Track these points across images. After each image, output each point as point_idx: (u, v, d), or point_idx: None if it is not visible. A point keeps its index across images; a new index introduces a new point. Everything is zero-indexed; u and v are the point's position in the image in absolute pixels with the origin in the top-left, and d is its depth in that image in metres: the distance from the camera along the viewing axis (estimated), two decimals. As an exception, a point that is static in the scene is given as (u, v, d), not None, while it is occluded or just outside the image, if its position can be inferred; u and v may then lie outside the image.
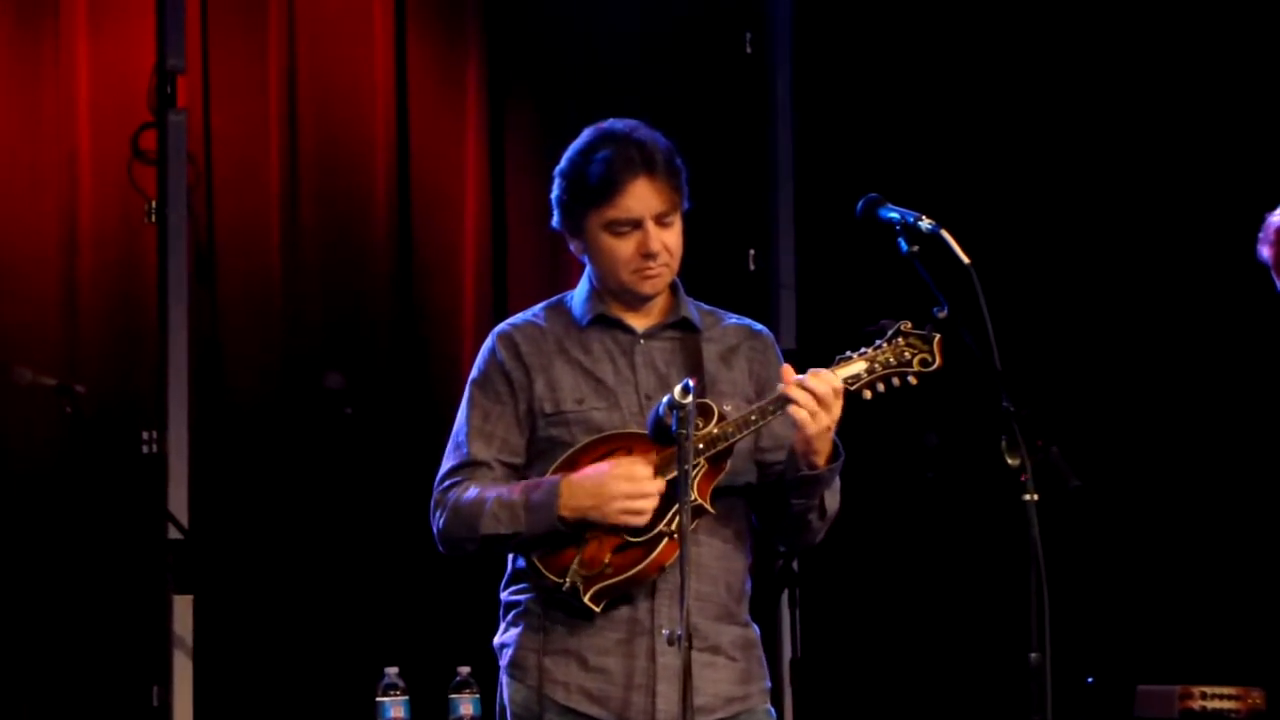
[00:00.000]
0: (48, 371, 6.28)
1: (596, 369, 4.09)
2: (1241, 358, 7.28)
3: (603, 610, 3.96)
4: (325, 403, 6.50)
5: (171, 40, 6.70)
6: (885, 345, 3.97)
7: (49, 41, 6.73)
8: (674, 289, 4.16)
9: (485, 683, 5.49)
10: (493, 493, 4.00)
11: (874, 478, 6.72)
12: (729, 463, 3.97)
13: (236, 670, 6.65)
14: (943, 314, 3.90)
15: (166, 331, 6.64)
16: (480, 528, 3.99)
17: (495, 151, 7.28)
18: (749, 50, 7.66)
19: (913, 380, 3.96)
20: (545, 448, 4.06)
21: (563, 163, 4.11)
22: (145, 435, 6.64)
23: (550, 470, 4.01)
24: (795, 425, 3.90)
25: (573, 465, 3.99)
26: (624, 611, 3.99)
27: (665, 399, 3.82)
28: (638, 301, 4.12)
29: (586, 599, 3.94)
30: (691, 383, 3.79)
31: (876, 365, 3.96)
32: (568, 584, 3.94)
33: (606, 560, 3.94)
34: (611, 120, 4.10)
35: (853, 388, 3.94)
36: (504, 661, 4.11)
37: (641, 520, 3.90)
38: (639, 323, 4.14)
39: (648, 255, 4.03)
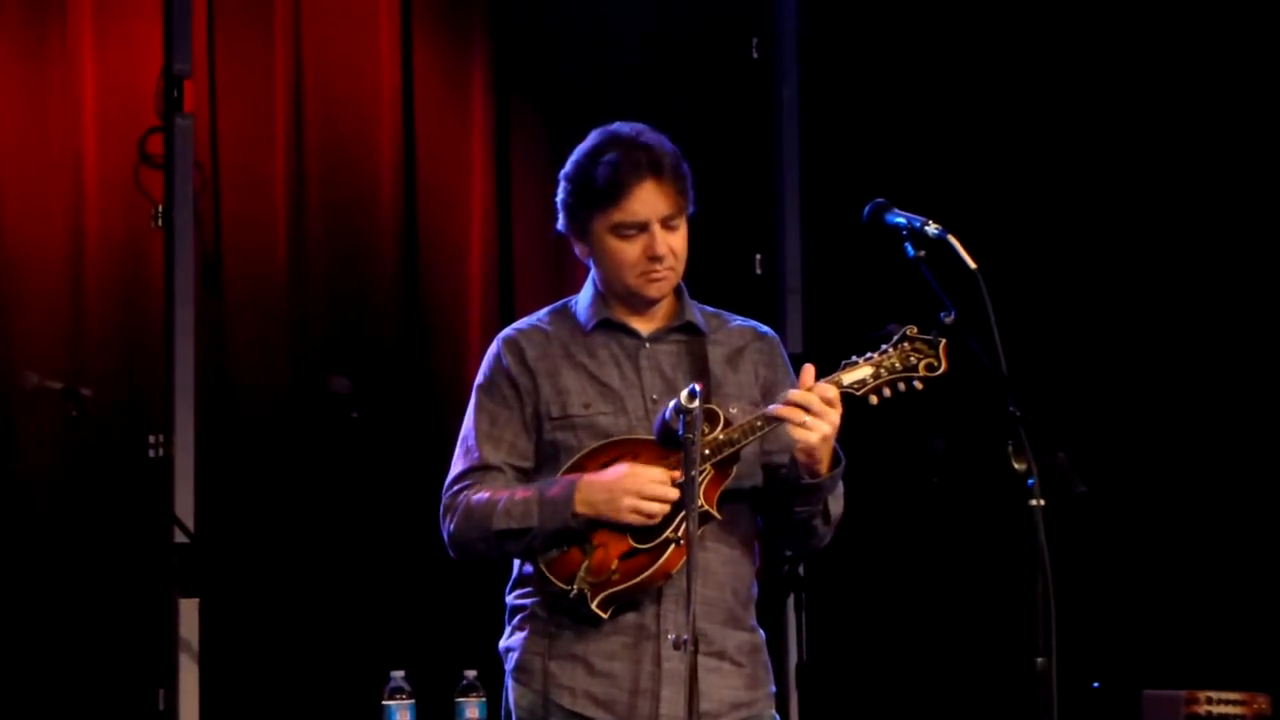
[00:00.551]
0: (54, 375, 6.28)
1: (602, 373, 4.09)
2: (1246, 363, 7.29)
3: (609, 617, 3.96)
4: (331, 407, 6.50)
5: (178, 45, 6.71)
6: (891, 350, 3.98)
7: (55, 46, 6.73)
8: (678, 293, 4.16)
9: (491, 686, 5.48)
10: (505, 493, 4.01)
11: (881, 483, 6.73)
12: (736, 468, 3.97)
13: (242, 674, 6.65)
14: (949, 319, 3.89)
15: (173, 335, 6.64)
16: (493, 524, 3.98)
17: (501, 156, 7.28)
18: (755, 55, 7.66)
19: (919, 385, 3.96)
20: (551, 452, 4.06)
21: (568, 166, 4.11)
22: (151, 439, 6.64)
23: (559, 474, 4.01)
24: (794, 438, 3.90)
25: (579, 470, 3.99)
26: (630, 616, 3.99)
27: (672, 404, 3.83)
28: (643, 305, 4.12)
29: (594, 606, 3.94)
30: (698, 387, 3.79)
31: (883, 370, 3.96)
32: (575, 591, 3.94)
33: (613, 567, 3.93)
34: (617, 123, 4.11)
35: (859, 393, 3.95)
36: (509, 665, 4.12)
37: (650, 523, 3.90)
38: (644, 327, 4.14)
39: (654, 258, 4.03)
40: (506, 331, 4.20)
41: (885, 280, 5.10)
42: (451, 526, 4.07)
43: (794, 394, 3.90)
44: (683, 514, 3.85)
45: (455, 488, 4.10)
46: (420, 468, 6.51)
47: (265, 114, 6.97)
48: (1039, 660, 3.77)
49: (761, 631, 4.16)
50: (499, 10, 7.32)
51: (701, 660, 3.82)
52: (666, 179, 4.03)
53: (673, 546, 3.92)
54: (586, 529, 3.93)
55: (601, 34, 7.45)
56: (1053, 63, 7.50)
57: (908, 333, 3.98)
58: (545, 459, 4.07)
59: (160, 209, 6.70)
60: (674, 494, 3.89)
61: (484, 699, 5.83)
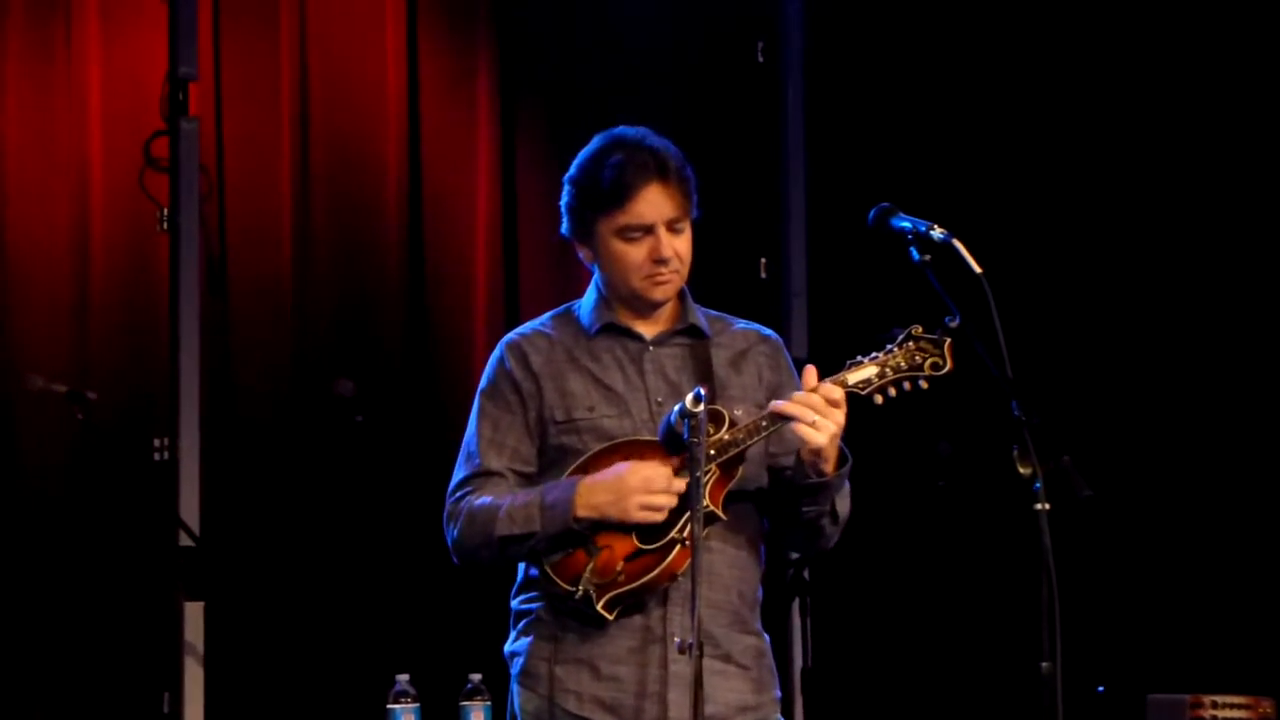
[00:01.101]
0: (59, 378, 6.29)
1: (606, 377, 4.09)
2: (1250, 368, 7.28)
3: (615, 618, 3.96)
4: (336, 410, 6.50)
5: (183, 48, 6.71)
6: (897, 349, 3.97)
7: (61, 49, 6.74)
8: (682, 296, 4.16)
9: (496, 690, 5.48)
10: (507, 498, 4.01)
11: (886, 486, 6.72)
12: (741, 469, 3.97)
13: (247, 677, 6.65)
14: (954, 323, 3.90)
15: (178, 339, 6.65)
16: (495, 530, 3.98)
17: (506, 161, 7.29)
18: (761, 59, 7.66)
19: (924, 384, 3.96)
20: (556, 456, 4.06)
21: (573, 169, 4.11)
22: (157, 442, 6.65)
23: (563, 477, 4.01)
24: (800, 438, 3.90)
25: (584, 473, 3.98)
26: (636, 619, 3.99)
27: (676, 407, 3.82)
28: (647, 309, 4.12)
29: (599, 607, 3.93)
30: (703, 391, 3.79)
31: (888, 369, 3.96)
32: (580, 592, 3.94)
33: (619, 568, 3.93)
34: (622, 127, 4.11)
35: (864, 392, 3.95)
36: (515, 670, 4.11)
37: (659, 517, 3.90)
38: (648, 330, 4.14)
39: (659, 261, 4.03)
40: (510, 336, 4.20)
41: (890, 284, 5.10)
42: (455, 533, 4.07)
43: (799, 394, 3.90)
44: (688, 515, 3.85)
45: (458, 494, 4.10)
46: (425, 470, 6.51)
47: (270, 118, 6.97)
48: (1044, 664, 3.77)
49: (766, 635, 4.16)
50: (504, 14, 7.32)
51: (707, 663, 3.82)
52: (672, 181, 4.03)
53: (679, 547, 3.91)
54: (590, 531, 3.93)
55: (606, 38, 7.45)
56: (1059, 66, 7.50)
57: (913, 332, 3.98)
58: (550, 463, 4.07)
59: (165, 212, 6.71)
60: (680, 485, 3.89)
61: (489, 703, 5.82)
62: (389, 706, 5.81)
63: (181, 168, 6.70)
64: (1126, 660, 7.01)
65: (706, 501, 3.88)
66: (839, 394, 3.91)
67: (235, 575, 6.63)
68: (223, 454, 6.73)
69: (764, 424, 3.93)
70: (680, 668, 3.93)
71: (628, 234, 4.04)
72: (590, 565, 3.94)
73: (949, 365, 3.96)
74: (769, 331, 4.25)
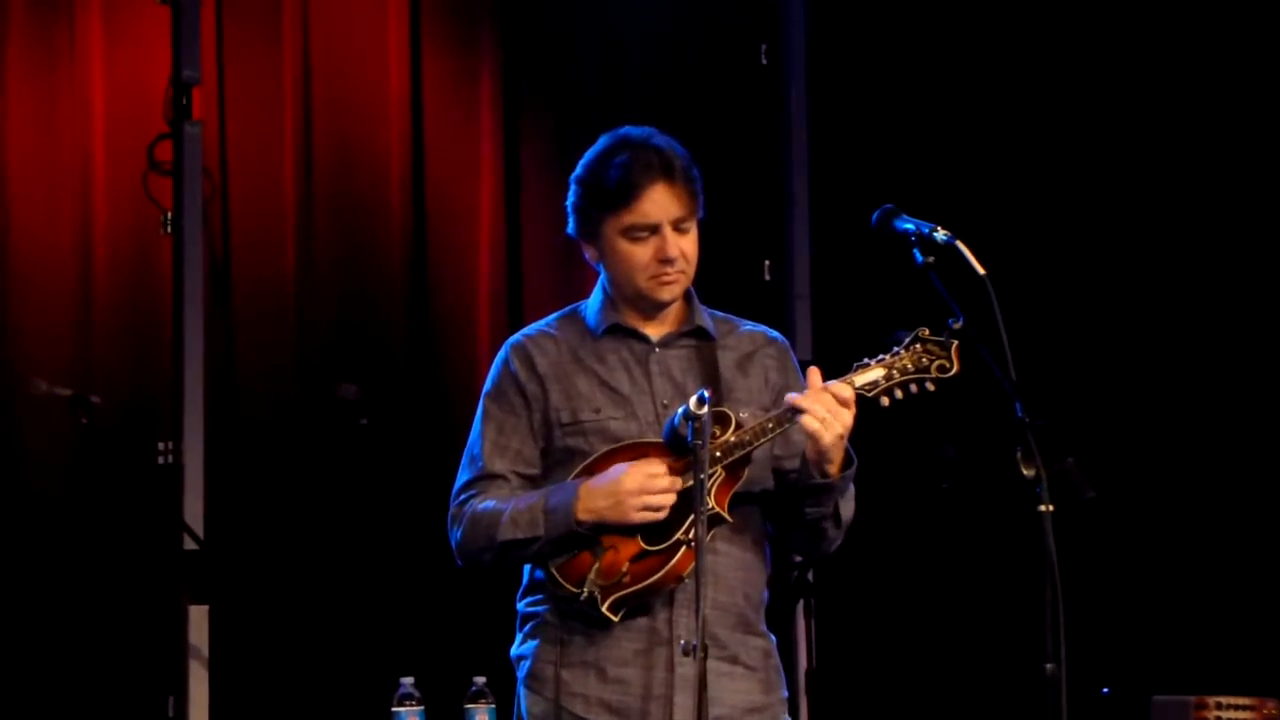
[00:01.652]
0: (63, 382, 6.29)
1: (612, 378, 4.09)
2: (1254, 370, 7.28)
3: (621, 620, 3.96)
4: (340, 413, 6.50)
5: (187, 52, 6.71)
6: (903, 352, 3.97)
7: (64, 53, 6.74)
8: (688, 297, 4.16)
9: (501, 693, 5.48)
10: (510, 502, 4.01)
11: (890, 488, 6.73)
12: (747, 470, 3.97)
13: (252, 680, 6.65)
14: (958, 325, 3.90)
15: (182, 342, 6.65)
16: (499, 535, 3.98)
17: (510, 162, 7.29)
18: (764, 61, 7.67)
19: (930, 386, 3.96)
20: (563, 458, 4.06)
21: (579, 169, 4.11)
22: (161, 446, 6.64)
23: (569, 479, 4.01)
24: (807, 435, 3.90)
25: (590, 474, 3.98)
26: (642, 621, 3.98)
27: (681, 409, 3.83)
28: (653, 309, 4.12)
29: (604, 608, 3.93)
30: (707, 393, 3.79)
31: (895, 371, 3.96)
32: (585, 593, 3.94)
33: (624, 569, 3.93)
34: (627, 127, 4.11)
35: (870, 394, 3.95)
36: (521, 673, 4.11)
37: (659, 516, 3.90)
38: (654, 331, 4.14)
39: (665, 261, 4.03)
40: (515, 338, 4.19)
41: (894, 286, 5.10)
42: (458, 536, 4.07)
43: (812, 390, 3.90)
44: (693, 517, 3.84)
45: (461, 497, 4.10)
46: (429, 473, 6.51)
47: (274, 121, 6.97)
48: (1048, 666, 3.77)
49: (773, 636, 4.16)
50: (508, 16, 7.32)
51: (714, 665, 3.82)
52: (678, 181, 4.03)
53: (684, 548, 3.91)
54: (594, 533, 3.93)
55: (610, 39, 7.46)
56: (1062, 68, 7.50)
57: (920, 334, 3.98)
58: (556, 464, 4.07)
59: (169, 216, 6.70)
60: (678, 483, 3.89)
61: (493, 705, 5.82)
62: (393, 709, 5.81)
63: (185, 171, 6.70)
64: (1131, 662, 7.02)
65: (712, 503, 3.88)
66: (849, 393, 3.91)
67: (239, 579, 6.63)
68: (227, 457, 6.73)
69: (770, 426, 3.93)
70: (686, 670, 3.92)
71: (634, 233, 4.03)
72: (595, 566, 3.94)
73: (956, 368, 3.96)
74: (776, 334, 4.24)
